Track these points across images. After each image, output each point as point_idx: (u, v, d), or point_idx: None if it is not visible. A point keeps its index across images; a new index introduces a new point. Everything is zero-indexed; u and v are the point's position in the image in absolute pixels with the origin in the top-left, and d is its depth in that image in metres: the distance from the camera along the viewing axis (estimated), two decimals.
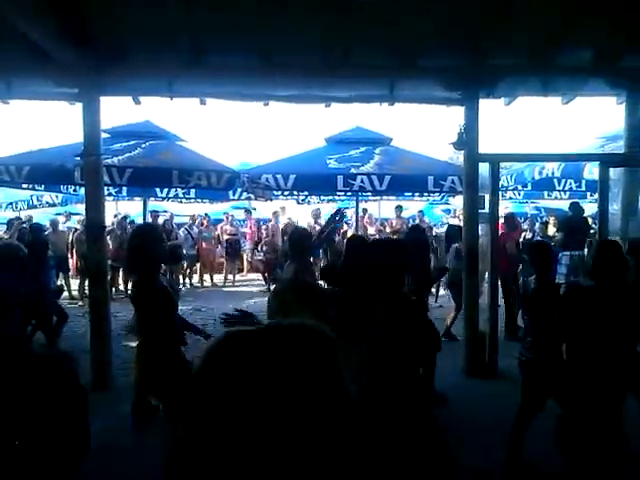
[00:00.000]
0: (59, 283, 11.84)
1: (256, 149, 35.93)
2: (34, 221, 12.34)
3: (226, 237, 14.78)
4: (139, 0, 5.25)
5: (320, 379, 1.01)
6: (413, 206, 16.42)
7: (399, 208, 14.75)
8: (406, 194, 12.68)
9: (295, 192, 12.42)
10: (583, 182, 10.84)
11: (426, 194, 12.50)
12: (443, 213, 17.51)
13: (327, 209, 16.60)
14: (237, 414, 0.98)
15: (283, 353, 1.01)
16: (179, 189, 12.17)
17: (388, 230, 14.42)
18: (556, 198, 14.04)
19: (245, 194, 11.69)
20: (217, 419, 1.00)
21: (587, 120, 37.52)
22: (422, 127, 51.98)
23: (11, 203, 15.21)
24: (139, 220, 11.97)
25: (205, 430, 1.00)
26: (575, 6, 5.27)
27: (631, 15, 5.35)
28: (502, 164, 7.33)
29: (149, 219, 11.60)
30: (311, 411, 0.99)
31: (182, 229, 14.11)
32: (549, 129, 49.10)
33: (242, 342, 1.05)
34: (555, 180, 11.16)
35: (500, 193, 7.06)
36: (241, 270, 15.91)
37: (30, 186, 10.28)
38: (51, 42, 5.36)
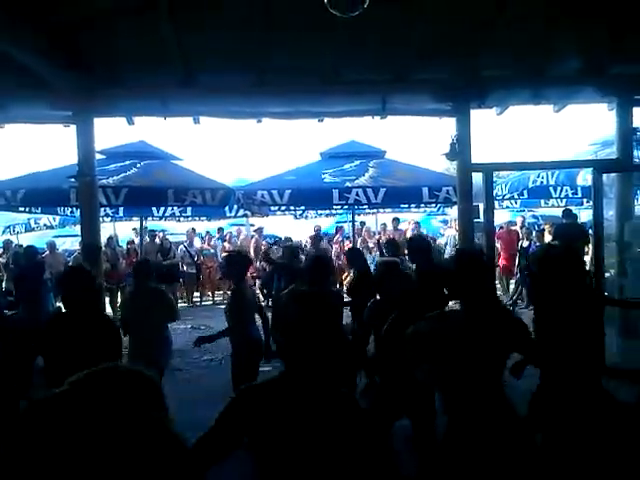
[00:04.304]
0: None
1: (251, 166, 35.95)
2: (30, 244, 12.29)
3: (224, 254, 14.69)
4: (131, 23, 5.30)
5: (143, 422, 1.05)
6: (410, 218, 16.38)
7: (396, 220, 14.75)
8: (402, 206, 12.64)
9: (291, 207, 12.42)
10: (579, 189, 10.80)
11: (422, 205, 12.46)
12: (441, 224, 17.43)
13: (326, 223, 16.59)
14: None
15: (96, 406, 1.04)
16: (175, 208, 12.16)
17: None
18: (553, 206, 13.99)
19: (242, 211, 11.70)
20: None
21: (579, 127, 37.56)
22: (416, 139, 52.06)
23: (9, 226, 15.16)
24: (137, 240, 11.95)
25: None
26: (562, 18, 5.32)
27: (617, 25, 5.41)
28: (497, 173, 7.34)
29: (146, 239, 11.59)
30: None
31: (180, 247, 14.07)
32: (542, 137, 49.19)
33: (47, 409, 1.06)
34: (551, 188, 11.12)
35: (496, 202, 7.05)
36: None
37: (27, 209, 10.26)
38: (45, 66, 5.40)
